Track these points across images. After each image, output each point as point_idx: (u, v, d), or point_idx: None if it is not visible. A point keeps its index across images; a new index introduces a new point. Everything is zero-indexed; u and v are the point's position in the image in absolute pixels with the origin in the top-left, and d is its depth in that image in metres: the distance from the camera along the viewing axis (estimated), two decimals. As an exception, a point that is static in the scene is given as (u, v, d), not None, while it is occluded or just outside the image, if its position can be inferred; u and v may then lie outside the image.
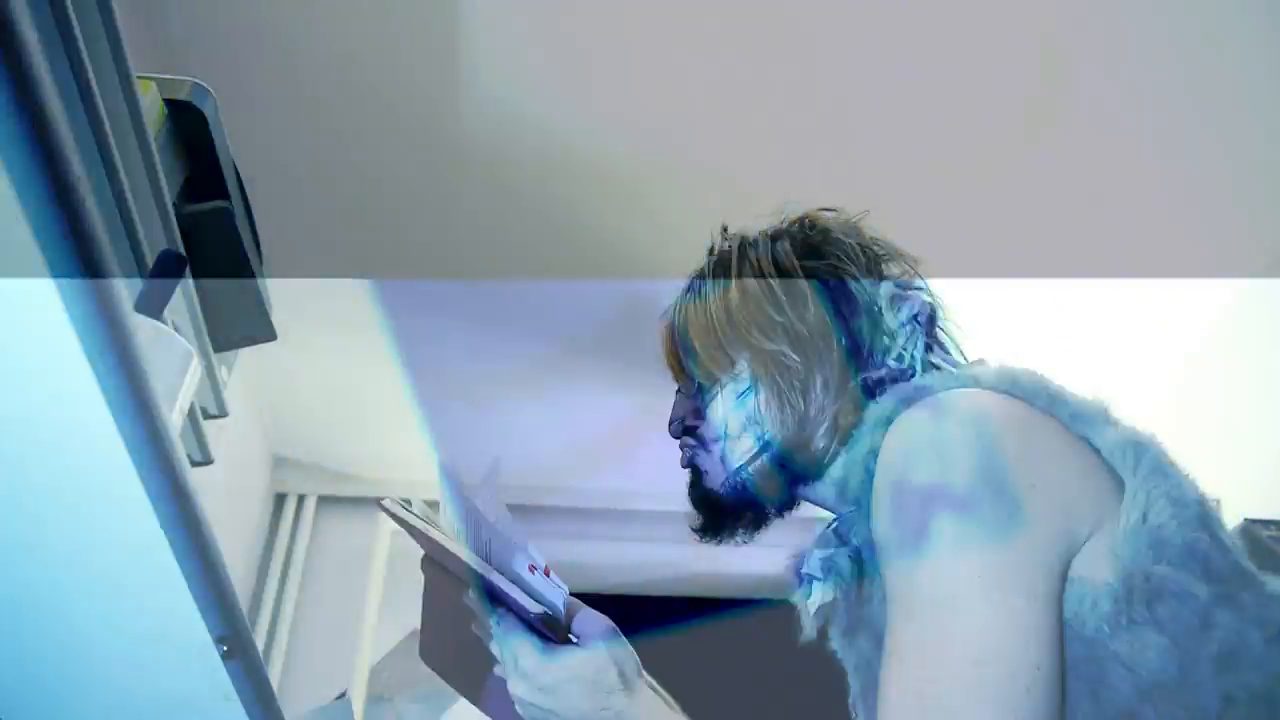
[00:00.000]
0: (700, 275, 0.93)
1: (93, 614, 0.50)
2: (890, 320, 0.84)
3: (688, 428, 0.91)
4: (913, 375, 0.82)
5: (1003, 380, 0.72)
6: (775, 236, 0.91)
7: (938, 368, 0.85)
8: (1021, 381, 0.72)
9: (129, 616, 0.51)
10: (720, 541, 0.91)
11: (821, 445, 0.82)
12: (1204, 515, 0.66)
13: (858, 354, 0.84)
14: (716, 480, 0.88)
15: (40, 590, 0.48)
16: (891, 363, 0.82)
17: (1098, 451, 0.68)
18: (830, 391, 0.83)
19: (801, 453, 0.84)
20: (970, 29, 1.66)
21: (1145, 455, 0.68)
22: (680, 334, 0.91)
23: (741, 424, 0.86)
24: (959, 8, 1.63)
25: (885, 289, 0.86)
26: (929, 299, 0.89)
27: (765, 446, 0.85)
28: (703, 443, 0.90)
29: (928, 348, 0.86)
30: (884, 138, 1.84)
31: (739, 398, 0.86)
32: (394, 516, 0.75)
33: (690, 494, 0.91)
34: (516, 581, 0.70)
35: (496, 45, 1.73)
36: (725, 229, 0.95)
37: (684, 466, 0.92)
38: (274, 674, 2.44)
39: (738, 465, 0.86)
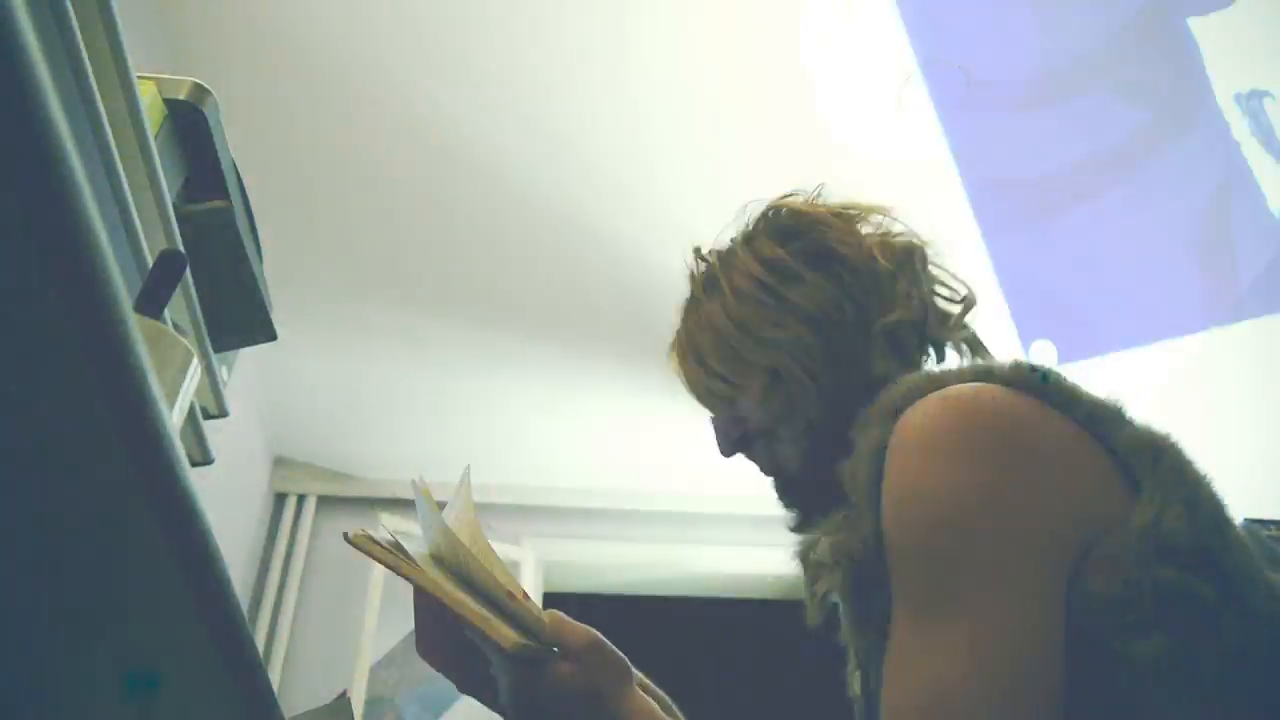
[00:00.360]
0: (692, 299, 0.93)
1: (92, 614, 0.50)
2: (886, 263, 0.85)
3: (736, 441, 0.89)
4: (924, 362, 0.82)
5: (1016, 376, 0.71)
6: (749, 238, 0.91)
7: (949, 355, 0.85)
8: (1035, 378, 0.71)
9: (128, 616, 0.51)
10: (813, 529, 0.88)
11: (851, 415, 0.80)
12: (1217, 518, 0.65)
13: (869, 312, 0.84)
14: (795, 465, 0.87)
15: (38, 591, 0.48)
16: (903, 315, 0.82)
17: (1113, 451, 0.67)
18: (845, 365, 0.83)
19: (838, 426, 0.81)
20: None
21: (1162, 456, 0.67)
22: (696, 360, 0.90)
23: (778, 415, 0.85)
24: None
25: (870, 240, 0.87)
26: (916, 240, 0.89)
27: (809, 427, 0.84)
28: (751, 445, 0.89)
29: (938, 345, 0.86)
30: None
31: (767, 391, 0.85)
32: (363, 551, 0.73)
33: (778, 493, 0.90)
34: (491, 606, 0.69)
35: (498, 46, 1.73)
36: (698, 250, 0.95)
37: (766, 474, 0.90)
38: (274, 674, 2.44)
39: (803, 448, 0.85)
